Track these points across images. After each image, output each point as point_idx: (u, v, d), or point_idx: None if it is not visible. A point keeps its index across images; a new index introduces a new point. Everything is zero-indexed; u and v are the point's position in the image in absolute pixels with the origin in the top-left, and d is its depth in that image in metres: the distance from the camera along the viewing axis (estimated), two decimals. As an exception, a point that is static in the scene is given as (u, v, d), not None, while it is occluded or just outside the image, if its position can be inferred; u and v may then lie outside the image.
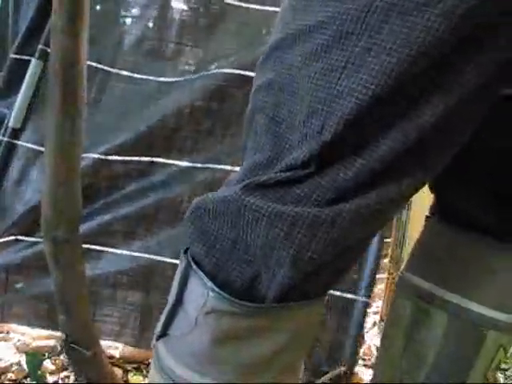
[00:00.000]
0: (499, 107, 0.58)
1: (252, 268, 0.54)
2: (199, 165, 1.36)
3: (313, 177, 0.51)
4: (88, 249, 1.31)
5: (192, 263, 0.57)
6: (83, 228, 1.25)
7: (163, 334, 0.60)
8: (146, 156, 1.36)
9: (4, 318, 1.33)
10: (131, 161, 1.35)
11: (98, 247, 1.34)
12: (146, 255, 1.36)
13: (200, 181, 1.36)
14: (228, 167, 1.35)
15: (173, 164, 1.36)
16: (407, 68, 0.47)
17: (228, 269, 0.55)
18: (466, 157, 0.74)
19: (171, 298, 0.59)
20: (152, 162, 1.36)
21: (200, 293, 0.55)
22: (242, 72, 1.34)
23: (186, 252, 0.58)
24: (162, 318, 0.60)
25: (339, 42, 0.49)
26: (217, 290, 0.54)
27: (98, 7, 1.41)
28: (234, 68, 1.35)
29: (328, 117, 0.49)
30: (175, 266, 1.36)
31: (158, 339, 0.61)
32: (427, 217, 0.86)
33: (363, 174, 0.50)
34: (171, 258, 1.35)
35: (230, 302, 0.54)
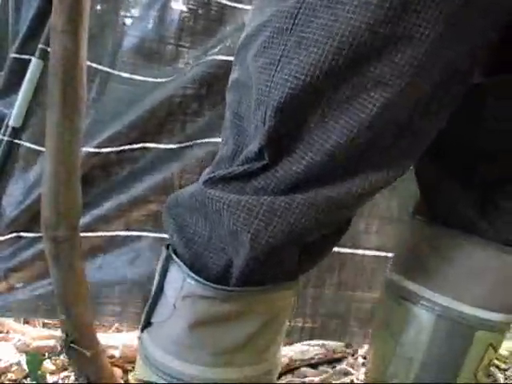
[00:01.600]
0: (473, 96, 0.58)
1: (227, 255, 0.58)
2: (190, 143, 1.37)
3: (268, 170, 0.54)
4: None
5: (171, 253, 0.60)
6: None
7: (147, 323, 0.63)
8: (137, 143, 1.36)
9: (7, 312, 1.33)
10: (124, 149, 1.36)
11: (96, 233, 1.35)
12: (145, 233, 1.37)
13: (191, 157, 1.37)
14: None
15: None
16: (333, 59, 0.49)
17: (206, 257, 0.58)
18: (453, 156, 0.75)
19: (153, 288, 0.62)
20: (144, 147, 1.37)
21: (177, 279, 0.59)
22: (228, 58, 1.34)
23: (167, 247, 0.62)
24: (146, 308, 0.63)
25: (277, 38, 0.52)
26: (192, 274, 0.58)
27: (98, 7, 1.41)
28: (222, 54, 1.35)
29: (268, 107, 0.52)
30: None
31: (142, 330, 0.64)
32: (411, 216, 0.86)
33: (314, 167, 0.53)
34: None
35: (204, 285, 0.57)
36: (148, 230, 1.37)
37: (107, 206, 1.36)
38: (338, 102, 0.51)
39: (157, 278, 0.62)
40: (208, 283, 0.57)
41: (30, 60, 1.35)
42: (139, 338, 0.65)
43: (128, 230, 1.38)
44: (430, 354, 0.79)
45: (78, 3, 0.94)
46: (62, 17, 0.93)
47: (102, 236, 1.37)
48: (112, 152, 1.35)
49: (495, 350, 0.81)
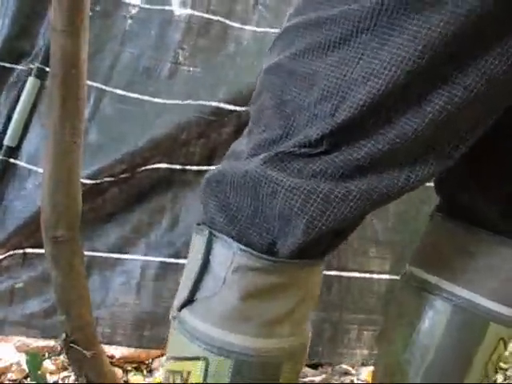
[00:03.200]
0: None
1: (271, 235, 0.60)
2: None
3: (327, 154, 0.57)
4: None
5: (214, 231, 0.62)
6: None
7: (189, 300, 0.65)
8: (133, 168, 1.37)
9: (5, 330, 1.33)
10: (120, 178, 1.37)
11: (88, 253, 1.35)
12: (136, 256, 1.37)
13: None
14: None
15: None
16: (415, 62, 0.52)
17: (249, 236, 0.61)
18: (478, 155, 0.75)
19: (194, 267, 0.64)
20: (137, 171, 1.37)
21: (226, 254, 0.61)
22: (231, 107, 1.35)
23: (199, 225, 0.65)
24: (185, 287, 0.65)
25: (356, 37, 0.54)
26: (243, 247, 0.60)
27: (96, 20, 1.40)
28: (222, 101, 1.35)
29: (341, 101, 0.55)
30: (163, 264, 1.36)
31: (180, 309, 0.66)
32: (433, 214, 0.87)
33: (375, 154, 0.56)
34: (162, 257, 1.38)
35: (256, 257, 0.60)
36: (140, 252, 1.39)
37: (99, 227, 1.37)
38: (409, 98, 0.54)
39: (199, 256, 0.63)
40: (261, 255, 0.60)
41: (10, 68, 1.35)
42: (174, 317, 0.67)
43: (121, 252, 1.39)
44: (444, 341, 0.81)
45: (78, 3, 0.94)
46: (62, 17, 0.93)
47: (93, 256, 1.37)
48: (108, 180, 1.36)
49: (505, 345, 0.83)
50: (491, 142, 0.73)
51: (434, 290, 0.82)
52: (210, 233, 0.62)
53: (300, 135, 0.57)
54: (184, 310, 0.65)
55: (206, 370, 0.63)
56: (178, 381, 0.66)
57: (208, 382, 0.63)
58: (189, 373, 0.64)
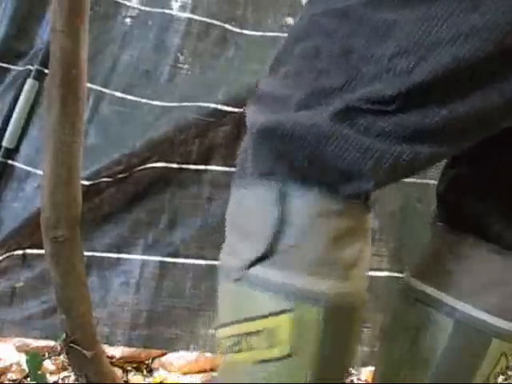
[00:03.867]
0: None
1: (330, 183, 0.59)
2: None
3: (398, 114, 0.55)
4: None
5: (281, 184, 0.60)
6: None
7: (264, 256, 0.61)
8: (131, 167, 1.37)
9: (5, 330, 1.33)
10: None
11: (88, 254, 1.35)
12: (135, 256, 1.38)
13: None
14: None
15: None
16: (509, 31, 0.51)
17: (309, 185, 0.59)
18: (481, 168, 0.75)
19: (267, 220, 0.61)
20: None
21: (306, 202, 0.59)
22: (230, 108, 1.36)
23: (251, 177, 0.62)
24: (256, 244, 0.61)
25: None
26: (323, 191, 0.58)
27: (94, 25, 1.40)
28: (221, 103, 1.36)
29: (421, 59, 0.53)
30: (162, 263, 1.35)
31: (249, 267, 0.62)
32: (434, 224, 0.86)
33: (446, 123, 0.55)
34: (160, 256, 1.39)
35: (338, 199, 0.59)
36: (139, 252, 1.39)
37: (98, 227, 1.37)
38: (490, 72, 0.53)
39: (273, 209, 0.60)
40: (344, 197, 0.59)
41: (6, 68, 1.35)
42: (239, 278, 0.63)
43: (119, 252, 1.39)
44: (445, 358, 0.79)
45: (78, 3, 0.94)
46: (61, 17, 0.93)
47: (92, 256, 1.38)
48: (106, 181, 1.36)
49: (507, 359, 0.81)
50: (505, 148, 0.72)
51: (436, 305, 0.80)
52: (280, 186, 0.59)
53: (367, 88, 0.55)
54: (257, 267, 0.62)
55: (299, 321, 0.60)
56: (254, 341, 0.62)
57: (299, 332, 0.60)
58: (272, 330, 0.61)
